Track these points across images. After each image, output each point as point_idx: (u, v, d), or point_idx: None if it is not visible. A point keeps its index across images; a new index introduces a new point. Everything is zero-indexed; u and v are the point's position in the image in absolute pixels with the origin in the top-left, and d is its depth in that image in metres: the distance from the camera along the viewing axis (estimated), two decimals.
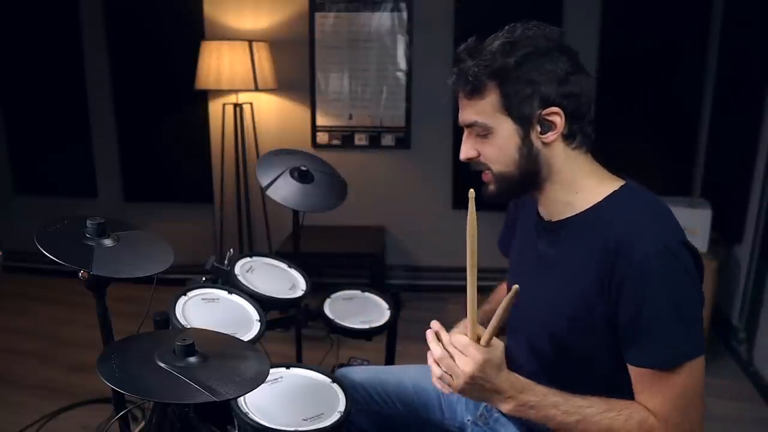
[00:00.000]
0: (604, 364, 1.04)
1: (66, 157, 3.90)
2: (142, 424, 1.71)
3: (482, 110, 1.02)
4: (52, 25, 3.73)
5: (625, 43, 3.19)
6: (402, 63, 3.51)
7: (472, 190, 0.94)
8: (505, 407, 0.98)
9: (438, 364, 0.98)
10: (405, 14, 3.44)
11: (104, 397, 2.25)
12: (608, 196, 1.03)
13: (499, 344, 0.96)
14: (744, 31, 2.89)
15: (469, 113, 1.04)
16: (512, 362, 1.04)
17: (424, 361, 1.44)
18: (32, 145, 3.96)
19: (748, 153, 2.73)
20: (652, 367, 0.96)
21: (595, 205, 1.04)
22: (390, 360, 1.84)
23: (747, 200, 2.75)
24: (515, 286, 0.90)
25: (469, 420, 1.30)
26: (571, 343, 1.06)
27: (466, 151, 1.07)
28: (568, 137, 1.03)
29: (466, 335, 0.97)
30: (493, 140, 1.04)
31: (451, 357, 0.96)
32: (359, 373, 1.40)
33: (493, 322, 0.94)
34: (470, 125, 1.05)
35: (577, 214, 1.05)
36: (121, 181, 3.91)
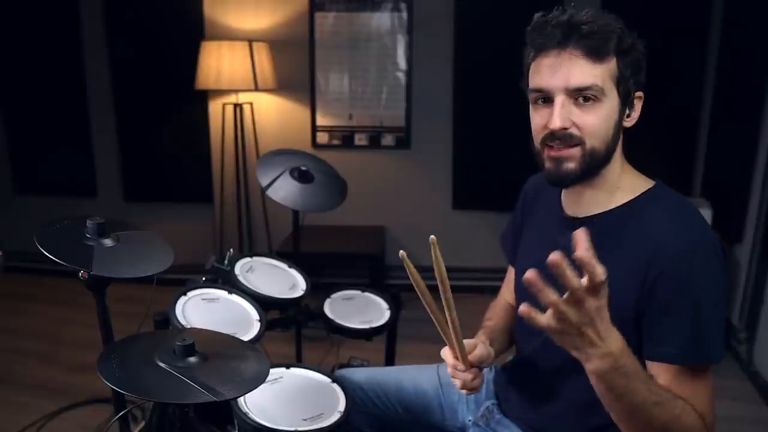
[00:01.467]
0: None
1: (66, 157, 3.90)
2: (142, 424, 1.71)
3: (602, 74, 0.96)
4: (52, 24, 3.73)
5: None
6: (402, 63, 3.51)
7: (402, 252, 0.92)
8: (597, 363, 0.83)
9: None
10: (405, 14, 3.44)
11: (104, 397, 2.26)
12: (642, 193, 1.04)
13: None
14: (744, 30, 2.89)
15: (587, 73, 0.96)
16: (531, 362, 1.02)
17: (424, 361, 1.45)
18: (32, 145, 3.96)
19: (748, 153, 2.73)
20: (683, 365, 0.94)
21: (628, 202, 1.04)
22: (390, 360, 1.84)
23: (747, 200, 2.75)
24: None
25: (470, 420, 1.30)
26: None
27: (563, 119, 0.97)
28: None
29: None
30: (598, 110, 0.97)
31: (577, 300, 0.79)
32: (357, 374, 1.40)
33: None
34: (583, 88, 0.96)
35: (609, 210, 1.04)
36: (121, 181, 3.91)
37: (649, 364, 0.98)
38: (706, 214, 2.62)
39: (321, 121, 3.61)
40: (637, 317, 0.98)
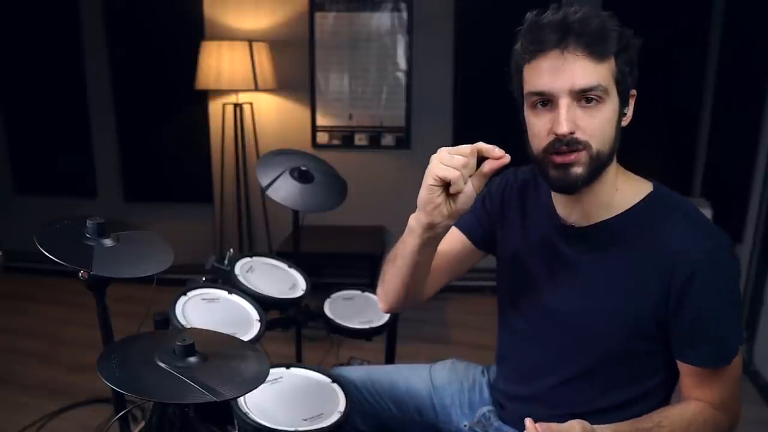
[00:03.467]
0: (648, 367, 1.04)
1: (66, 157, 3.90)
2: (142, 424, 1.71)
3: (603, 74, 0.93)
4: (52, 24, 3.73)
5: None
6: (402, 63, 3.51)
7: None
8: None
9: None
10: (405, 14, 3.44)
11: (104, 397, 2.26)
12: (644, 198, 1.03)
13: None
14: (744, 30, 2.89)
15: (592, 73, 0.92)
16: (536, 367, 1.03)
17: (425, 361, 1.45)
18: (32, 145, 3.96)
19: (748, 153, 2.73)
20: (715, 366, 0.99)
21: (632, 207, 1.02)
22: (390, 360, 1.84)
23: (747, 200, 2.75)
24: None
25: (465, 425, 1.29)
26: (617, 348, 1.03)
27: (569, 123, 0.92)
28: None
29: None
30: (602, 111, 0.94)
31: None
32: (352, 372, 1.39)
33: None
34: (588, 89, 0.92)
35: (614, 217, 1.03)
36: (121, 181, 3.91)
37: (682, 364, 1.01)
38: (706, 214, 2.61)
39: (321, 121, 3.62)
40: (659, 321, 0.99)
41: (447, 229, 1.01)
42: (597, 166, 0.96)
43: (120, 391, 0.89)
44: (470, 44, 3.37)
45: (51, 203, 3.86)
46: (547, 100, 0.96)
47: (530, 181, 1.19)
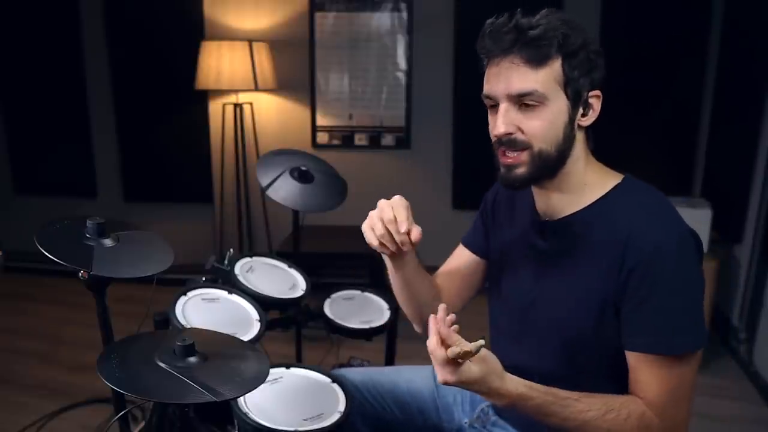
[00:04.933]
0: (615, 356, 1.04)
1: (66, 157, 3.90)
2: (142, 424, 1.71)
3: (543, 79, 0.97)
4: (52, 24, 3.73)
5: (625, 42, 3.19)
6: (402, 63, 3.51)
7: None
8: (502, 405, 0.97)
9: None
10: (405, 14, 3.44)
11: (104, 397, 2.26)
12: (612, 189, 1.04)
13: (491, 356, 0.94)
14: (744, 31, 2.89)
15: (527, 80, 0.97)
16: (517, 369, 1.03)
17: (425, 361, 1.44)
18: (32, 145, 3.96)
19: (748, 153, 2.73)
20: (657, 353, 0.96)
21: (599, 198, 1.04)
22: (390, 360, 1.84)
23: (747, 200, 2.75)
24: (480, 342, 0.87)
25: (466, 422, 1.29)
26: (587, 339, 1.04)
27: (507, 125, 0.99)
28: (587, 127, 1.04)
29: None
30: (543, 113, 0.98)
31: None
32: (353, 374, 1.39)
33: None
34: (524, 94, 0.97)
35: (582, 209, 1.05)
36: (121, 181, 3.91)
37: (627, 353, 1.00)
38: (706, 214, 2.61)
39: (321, 121, 3.62)
40: (617, 310, 1.00)
41: (409, 256, 1.13)
42: (540, 166, 1.01)
43: (120, 391, 0.89)
44: (470, 44, 3.33)
45: (51, 203, 3.87)
46: (494, 104, 1.03)
47: None
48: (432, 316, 0.93)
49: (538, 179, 1.04)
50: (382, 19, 3.47)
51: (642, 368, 0.98)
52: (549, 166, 1.02)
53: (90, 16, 3.69)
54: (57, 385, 2.56)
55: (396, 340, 1.83)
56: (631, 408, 0.97)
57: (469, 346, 0.86)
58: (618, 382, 1.03)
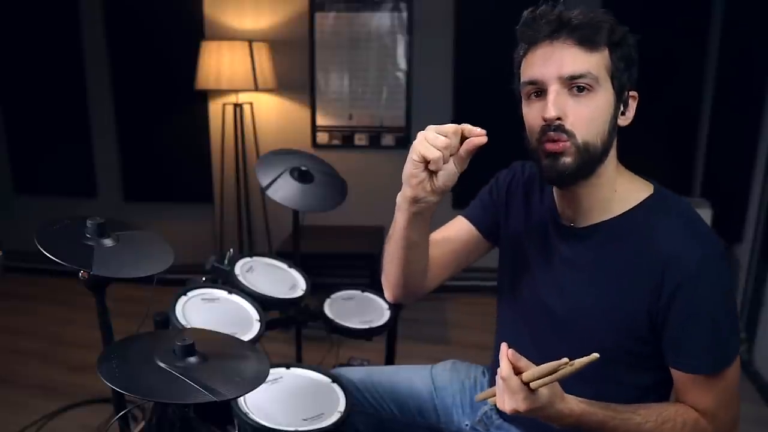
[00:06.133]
0: (643, 369, 1.04)
1: (66, 156, 3.90)
2: (142, 424, 1.71)
3: (594, 63, 0.94)
4: (52, 25, 3.73)
5: None
6: (402, 63, 3.51)
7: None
8: (566, 426, 0.95)
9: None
10: (405, 14, 3.44)
11: (104, 397, 2.26)
12: (644, 200, 1.02)
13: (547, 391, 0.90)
14: (744, 31, 2.89)
15: (581, 61, 0.93)
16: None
17: (425, 361, 1.45)
18: (32, 145, 3.96)
19: (748, 153, 2.73)
20: (705, 374, 0.97)
21: (631, 209, 1.02)
22: (390, 360, 1.84)
23: (747, 200, 2.75)
24: (594, 356, 0.82)
25: (467, 425, 1.29)
26: (610, 349, 1.01)
27: (558, 108, 0.94)
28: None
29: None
30: (592, 100, 0.94)
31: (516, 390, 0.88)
32: (353, 373, 1.39)
33: (550, 376, 0.85)
34: (577, 76, 0.93)
35: (612, 219, 1.02)
36: (121, 181, 3.91)
37: (672, 370, 1.01)
38: (706, 214, 2.62)
39: (321, 121, 3.62)
40: (653, 325, 0.99)
41: (432, 206, 1.02)
42: (587, 159, 0.96)
43: (120, 391, 0.89)
44: (470, 44, 3.37)
45: (51, 203, 3.86)
46: (539, 90, 0.97)
47: (536, 177, 1.19)
48: (503, 343, 0.91)
49: (582, 176, 0.98)
50: (382, 19, 3.47)
51: (693, 385, 0.99)
52: (593, 161, 0.97)
53: (90, 15, 3.68)
54: (57, 385, 2.56)
55: (396, 340, 1.83)
56: (686, 416, 0.98)
57: (547, 368, 0.83)
58: (634, 384, 1.04)
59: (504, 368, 0.88)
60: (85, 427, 2.23)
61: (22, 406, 2.36)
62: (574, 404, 0.93)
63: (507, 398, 0.88)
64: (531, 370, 0.86)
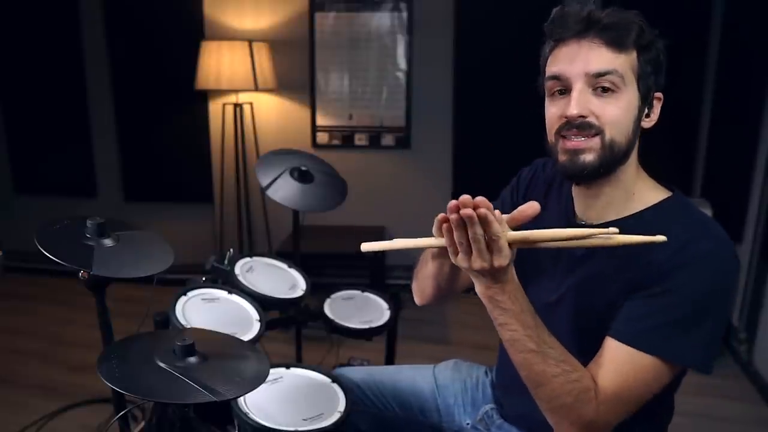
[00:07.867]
0: None
1: (66, 156, 3.90)
2: (142, 424, 1.71)
3: (621, 63, 0.94)
4: (52, 24, 3.73)
5: None
6: (402, 63, 3.51)
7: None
8: (482, 292, 0.92)
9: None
10: (405, 14, 3.44)
11: (104, 397, 2.26)
12: (661, 202, 1.01)
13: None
14: (744, 30, 2.89)
15: (607, 60, 0.93)
16: None
17: (425, 361, 1.45)
18: (32, 145, 3.96)
19: (748, 153, 2.73)
20: (618, 339, 0.93)
21: (646, 209, 1.01)
22: (390, 360, 1.84)
23: (747, 200, 2.75)
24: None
25: (468, 424, 1.29)
26: (598, 335, 0.99)
27: (581, 106, 0.93)
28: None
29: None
30: (618, 100, 0.94)
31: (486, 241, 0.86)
32: (355, 373, 1.39)
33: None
34: (603, 74, 0.93)
35: (626, 216, 1.01)
36: (121, 181, 3.91)
37: (607, 338, 0.95)
38: (706, 214, 2.62)
39: (321, 121, 3.62)
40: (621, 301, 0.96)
41: None
42: (610, 157, 0.95)
43: (120, 391, 0.89)
44: (470, 44, 3.37)
45: (51, 203, 3.86)
46: (564, 88, 0.97)
47: (557, 176, 1.18)
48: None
49: (602, 172, 0.97)
50: (382, 19, 3.47)
51: (609, 353, 0.94)
52: (616, 160, 0.96)
53: (90, 15, 3.69)
54: (57, 385, 2.56)
55: (396, 339, 1.83)
56: (584, 378, 0.92)
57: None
58: None
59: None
60: (85, 427, 2.23)
61: (22, 406, 2.36)
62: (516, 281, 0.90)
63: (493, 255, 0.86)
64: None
